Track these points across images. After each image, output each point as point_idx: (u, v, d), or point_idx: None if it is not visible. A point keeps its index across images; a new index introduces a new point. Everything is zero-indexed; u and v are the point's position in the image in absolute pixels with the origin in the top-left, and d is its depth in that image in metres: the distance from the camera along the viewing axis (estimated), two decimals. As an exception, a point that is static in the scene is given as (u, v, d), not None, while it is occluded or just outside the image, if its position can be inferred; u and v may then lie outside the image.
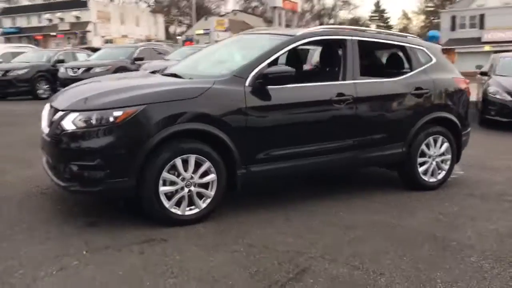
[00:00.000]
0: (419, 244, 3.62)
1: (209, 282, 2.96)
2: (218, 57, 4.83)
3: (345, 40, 4.67)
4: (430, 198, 4.79)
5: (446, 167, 5.16)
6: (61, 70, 13.95)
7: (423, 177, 5.02)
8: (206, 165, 3.85)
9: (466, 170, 5.96)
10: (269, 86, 4.10)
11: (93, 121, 3.60)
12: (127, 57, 14.15)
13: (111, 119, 3.58)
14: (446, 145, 5.10)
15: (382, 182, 5.34)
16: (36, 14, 62.97)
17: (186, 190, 3.81)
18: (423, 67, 5.06)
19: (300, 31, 4.56)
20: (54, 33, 58.73)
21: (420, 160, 4.98)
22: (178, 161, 3.74)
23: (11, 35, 59.61)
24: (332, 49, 4.96)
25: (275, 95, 4.12)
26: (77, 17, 58.83)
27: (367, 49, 5.11)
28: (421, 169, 4.99)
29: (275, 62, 4.30)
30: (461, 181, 5.49)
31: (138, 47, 15.19)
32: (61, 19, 59.53)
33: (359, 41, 4.74)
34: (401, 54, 5.14)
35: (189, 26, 61.77)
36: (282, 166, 4.21)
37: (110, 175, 3.59)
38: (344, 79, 4.56)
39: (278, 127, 4.15)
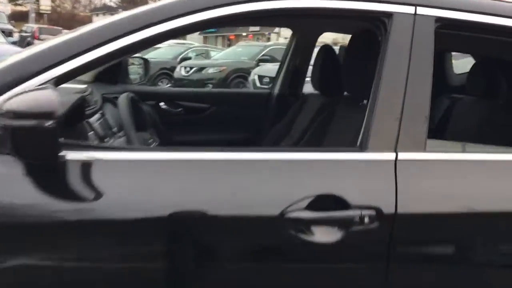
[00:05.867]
0: None
1: None
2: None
3: (390, 14, 1.54)
4: None
5: None
6: (177, 69, 12.51)
7: None
8: None
9: None
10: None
11: None
12: (250, 58, 12.06)
13: None
14: None
15: None
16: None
17: None
18: None
19: None
20: (245, 33, 60.58)
21: None
22: None
23: (208, 34, 63.33)
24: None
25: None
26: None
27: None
28: None
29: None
30: None
31: (267, 46, 12.93)
32: (259, 20, 61.27)
33: (450, 21, 1.59)
34: None
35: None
36: None
37: None
38: (363, 148, 1.44)
39: None
